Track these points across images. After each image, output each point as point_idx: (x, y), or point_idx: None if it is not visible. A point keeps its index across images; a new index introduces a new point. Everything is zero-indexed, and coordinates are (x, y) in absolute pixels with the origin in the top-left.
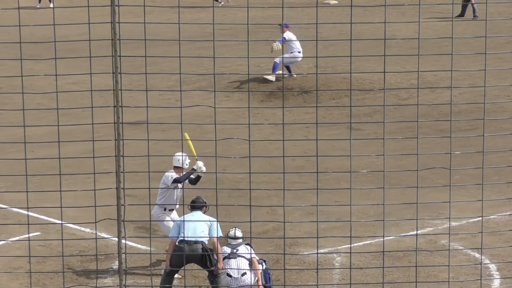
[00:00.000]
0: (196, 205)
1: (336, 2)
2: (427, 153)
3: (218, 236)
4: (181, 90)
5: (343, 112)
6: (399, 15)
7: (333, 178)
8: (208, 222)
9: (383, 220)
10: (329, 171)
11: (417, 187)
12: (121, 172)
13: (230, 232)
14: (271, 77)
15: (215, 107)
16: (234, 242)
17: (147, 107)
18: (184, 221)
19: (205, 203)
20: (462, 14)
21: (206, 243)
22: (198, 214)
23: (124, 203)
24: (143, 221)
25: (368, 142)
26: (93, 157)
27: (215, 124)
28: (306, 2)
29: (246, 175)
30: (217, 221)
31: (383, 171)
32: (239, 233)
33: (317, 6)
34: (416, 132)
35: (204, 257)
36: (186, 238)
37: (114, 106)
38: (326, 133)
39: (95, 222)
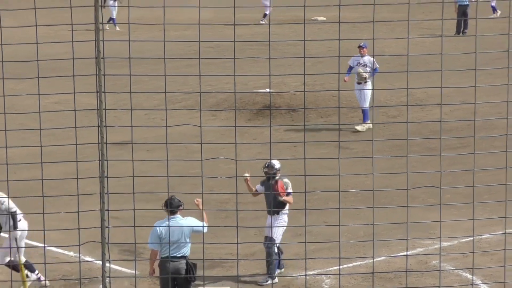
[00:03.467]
0: (174, 209)
1: (324, 18)
2: (417, 171)
3: (204, 228)
4: (166, 109)
5: (331, 131)
6: (388, 31)
7: (322, 198)
8: (190, 228)
9: (373, 241)
10: (317, 190)
11: (407, 206)
12: (105, 194)
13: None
14: (361, 127)
15: (201, 126)
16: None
17: (131, 126)
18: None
19: (180, 201)
20: (458, 31)
21: (189, 253)
22: (177, 219)
23: (109, 225)
24: (127, 243)
25: (357, 161)
26: (77, 178)
27: (201, 143)
28: (293, 18)
29: (233, 195)
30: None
31: (372, 190)
32: (277, 165)
33: (304, 23)
34: (406, 150)
35: (188, 272)
36: (172, 254)
37: (98, 126)
38: (314, 152)
39: (79, 245)
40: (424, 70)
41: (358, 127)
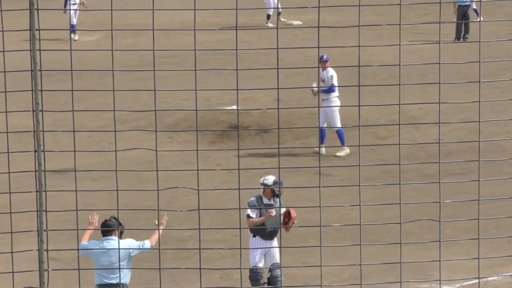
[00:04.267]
0: (108, 229)
1: (300, 22)
2: (411, 202)
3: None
4: (115, 131)
5: (310, 155)
6: (375, 37)
7: (300, 235)
8: (128, 250)
9: (360, 284)
10: (294, 225)
11: (400, 243)
12: (44, 231)
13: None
14: (343, 153)
15: (156, 150)
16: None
17: (74, 151)
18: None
19: (120, 223)
20: (458, 36)
21: (128, 280)
22: (112, 241)
23: (48, 268)
24: None
25: (341, 190)
26: (10, 212)
27: (156, 171)
28: (264, 23)
29: (194, 232)
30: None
31: (359, 224)
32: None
33: (277, 27)
34: (399, 177)
35: None
36: (105, 280)
37: (35, 151)
38: (290, 180)
39: None
40: (419, 83)
41: (341, 153)
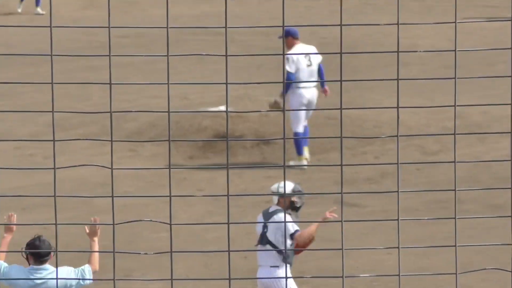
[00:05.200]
0: (43, 255)
1: None
2: (473, 244)
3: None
4: (54, 140)
5: (329, 176)
6: (422, 12)
7: (315, 287)
8: (65, 283)
9: None
10: (306, 275)
11: None
12: None
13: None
14: (293, 162)
15: (112, 168)
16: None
17: None
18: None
19: (50, 244)
20: None
21: None
22: (44, 272)
23: None
24: None
25: (372, 226)
26: None
27: (112, 197)
28: None
29: (165, 283)
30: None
31: (398, 275)
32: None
33: None
34: (454, 209)
35: None
36: None
37: None
38: (302, 211)
39: None
40: (483, 76)
41: (291, 162)
